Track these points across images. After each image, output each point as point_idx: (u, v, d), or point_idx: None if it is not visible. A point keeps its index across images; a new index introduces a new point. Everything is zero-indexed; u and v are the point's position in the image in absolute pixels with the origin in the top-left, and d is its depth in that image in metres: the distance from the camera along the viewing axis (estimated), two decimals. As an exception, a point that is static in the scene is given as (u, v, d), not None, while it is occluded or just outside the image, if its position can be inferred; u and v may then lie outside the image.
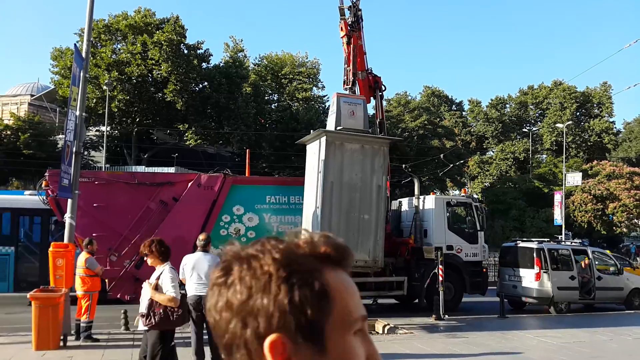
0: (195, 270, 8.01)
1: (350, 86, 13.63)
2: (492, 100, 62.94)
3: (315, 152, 12.35)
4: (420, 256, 15.17)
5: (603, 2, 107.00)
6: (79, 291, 10.24)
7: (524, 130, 61.90)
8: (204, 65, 41.76)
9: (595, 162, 48.28)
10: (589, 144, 58.28)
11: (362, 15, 14.30)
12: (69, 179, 10.75)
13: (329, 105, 45.37)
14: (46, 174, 12.46)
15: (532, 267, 15.11)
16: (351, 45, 13.71)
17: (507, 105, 63.55)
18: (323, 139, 11.72)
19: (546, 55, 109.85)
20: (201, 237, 8.36)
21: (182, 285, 8.37)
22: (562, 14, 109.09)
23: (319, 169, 11.87)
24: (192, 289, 8.01)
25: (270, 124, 46.60)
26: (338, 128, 12.12)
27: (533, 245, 15.57)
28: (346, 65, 13.89)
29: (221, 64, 43.82)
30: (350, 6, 14.00)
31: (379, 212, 11.97)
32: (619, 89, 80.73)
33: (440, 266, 13.47)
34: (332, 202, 11.48)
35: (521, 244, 16.08)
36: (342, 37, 13.95)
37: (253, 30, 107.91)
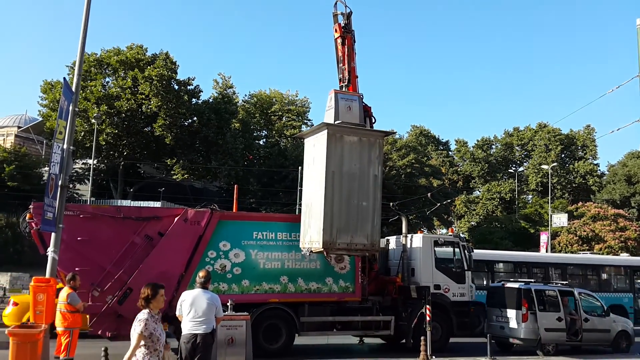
0: (193, 307, 7.83)
1: (346, 84, 14.08)
2: (478, 140, 63.85)
3: (314, 145, 12.96)
4: (407, 295, 15.04)
5: (586, 47, 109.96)
6: (59, 327, 9.98)
7: (509, 170, 62.62)
8: (194, 100, 42.00)
9: (580, 203, 48.80)
10: (573, 185, 59.01)
11: (354, 37, 14.70)
12: (53, 212, 10.61)
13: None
14: (30, 206, 12.28)
15: (519, 308, 15.01)
16: (346, 46, 14.22)
17: (493, 146, 64.42)
18: (325, 132, 12.35)
19: (531, 98, 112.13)
20: (201, 273, 8.21)
21: (178, 321, 8.19)
22: (547, 57, 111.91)
23: (319, 160, 12.51)
24: (187, 327, 7.81)
25: (259, 159, 46.70)
26: (337, 122, 12.68)
27: (520, 285, 15.51)
28: (341, 65, 14.42)
29: (210, 100, 44.11)
30: (342, 12, 14.52)
31: (375, 199, 12.64)
32: (602, 132, 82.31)
33: (427, 306, 13.34)
34: (334, 189, 12.17)
35: (508, 285, 16.02)
36: (336, 39, 14.50)
37: (243, 68, 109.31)
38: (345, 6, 14.57)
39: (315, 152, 12.83)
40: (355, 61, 14.85)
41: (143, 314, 5.70)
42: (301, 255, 14.00)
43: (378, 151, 12.84)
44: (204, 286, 8.08)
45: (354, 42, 14.65)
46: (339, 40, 14.41)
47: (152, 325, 5.60)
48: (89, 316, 12.37)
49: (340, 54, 14.51)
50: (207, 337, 7.82)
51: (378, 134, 13.04)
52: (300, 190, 36.34)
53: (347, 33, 14.38)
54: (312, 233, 12.50)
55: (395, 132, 12.17)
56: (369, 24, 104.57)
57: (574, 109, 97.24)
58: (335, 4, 14.67)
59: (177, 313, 8.02)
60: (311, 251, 12.59)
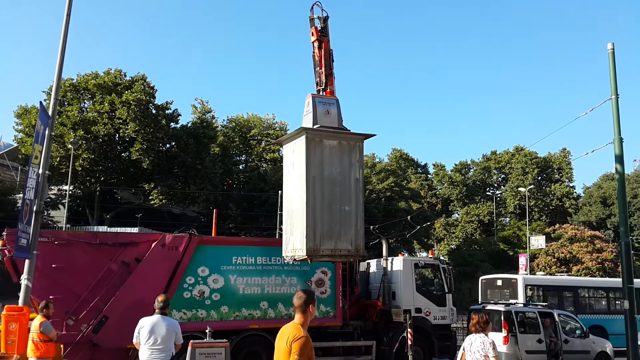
0: (152, 334, 7.57)
1: (323, 87, 13.91)
2: (456, 164, 64.56)
3: (293, 150, 12.51)
4: (388, 319, 14.95)
5: (560, 71, 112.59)
6: (32, 358, 9.67)
7: (487, 193, 63.26)
8: (172, 125, 41.82)
9: (557, 225, 49.34)
10: (550, 207, 59.72)
11: (333, 56, 14.62)
12: (27, 239, 10.37)
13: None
14: (4, 233, 12.00)
15: (500, 330, 15.02)
16: (322, 50, 14.13)
17: (471, 170, 65.15)
18: (303, 137, 11.88)
19: (507, 121, 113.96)
20: (159, 298, 7.90)
21: (136, 350, 7.94)
22: (523, 81, 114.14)
23: (298, 166, 12.03)
24: (146, 355, 7.54)
25: (238, 184, 46.50)
26: (315, 126, 12.37)
27: (500, 308, 15.53)
28: (318, 68, 14.16)
29: (189, 125, 43.97)
30: (319, 16, 14.42)
31: (357, 203, 12.11)
32: (577, 154, 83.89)
33: (409, 329, 13.25)
34: (315, 195, 11.65)
35: (489, 307, 16.03)
36: (313, 42, 14.23)
37: (221, 92, 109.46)
38: (322, 10, 14.47)
39: (294, 157, 12.43)
40: (334, 85, 14.87)
41: (487, 337, 6.12)
42: (281, 279, 13.88)
43: (358, 154, 12.40)
44: (162, 312, 7.84)
45: (332, 60, 14.60)
46: (316, 44, 14.28)
47: None
48: (62, 345, 12.03)
49: (317, 58, 14.43)
50: None
51: (358, 136, 12.69)
52: (281, 215, 36.29)
53: (323, 36, 14.29)
54: (294, 241, 12.05)
55: (376, 135, 11.90)
56: (349, 47, 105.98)
57: (549, 132, 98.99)
58: (312, 7, 14.56)
59: (135, 340, 7.76)
60: (295, 259, 12.09)
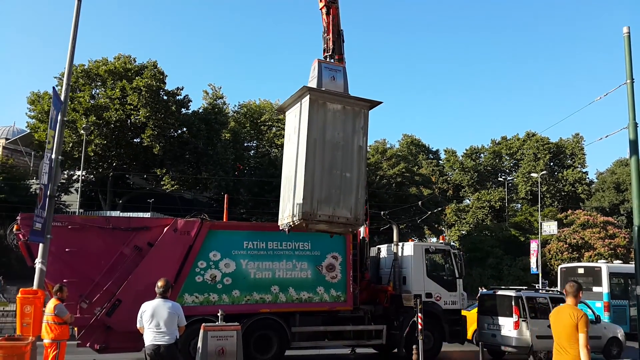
0: (154, 318, 7.68)
1: (330, 54, 13.60)
2: (466, 150, 64.15)
3: (295, 115, 12.08)
4: (399, 304, 15.00)
5: (574, 55, 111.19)
6: (46, 340, 9.83)
7: (499, 179, 62.93)
8: (183, 111, 41.89)
9: (569, 211, 49.02)
10: (563, 193, 59.31)
11: (343, 36, 14.26)
12: (42, 223, 10.50)
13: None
14: (18, 217, 12.15)
15: (511, 316, 15.01)
16: (330, 16, 13.77)
17: (482, 155, 64.73)
18: (307, 98, 11.48)
19: (519, 107, 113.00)
20: (160, 283, 7.99)
21: (140, 334, 8.05)
22: (535, 66, 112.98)
23: (300, 128, 11.61)
24: (150, 338, 7.68)
25: (249, 169, 46.59)
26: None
27: (511, 293, 15.51)
28: (326, 34, 13.91)
29: (200, 110, 44.02)
30: None
31: (360, 171, 11.80)
32: (590, 139, 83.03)
33: (419, 314, 13.29)
34: (315, 158, 11.26)
35: (499, 292, 16.02)
36: (321, 9, 13.97)
37: (232, 79, 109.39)
38: None
39: (296, 121, 11.93)
40: (345, 76, 14.64)
41: None
42: (292, 264, 13.95)
43: (363, 121, 11.95)
44: (163, 295, 7.92)
45: (343, 41, 14.24)
46: (324, 10, 13.84)
47: None
48: (77, 328, 12.22)
49: (325, 24, 13.97)
50: (172, 347, 7.72)
51: (364, 103, 12.09)
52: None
53: (332, 2, 13.85)
54: (290, 207, 11.50)
55: (382, 102, 11.27)
56: (360, 32, 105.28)
57: (562, 117, 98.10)
58: None
59: (138, 325, 7.86)
60: (290, 226, 11.53)
